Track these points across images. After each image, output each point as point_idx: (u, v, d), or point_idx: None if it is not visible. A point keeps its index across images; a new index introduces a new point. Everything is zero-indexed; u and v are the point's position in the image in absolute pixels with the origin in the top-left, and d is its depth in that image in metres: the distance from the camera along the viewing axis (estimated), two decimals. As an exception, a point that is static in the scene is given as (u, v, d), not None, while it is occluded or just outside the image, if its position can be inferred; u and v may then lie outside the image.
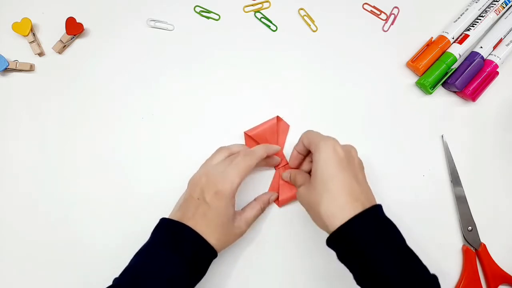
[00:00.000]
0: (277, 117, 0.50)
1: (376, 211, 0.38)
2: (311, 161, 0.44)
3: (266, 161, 0.48)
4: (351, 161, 0.40)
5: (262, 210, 0.46)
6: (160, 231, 0.41)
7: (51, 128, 0.51)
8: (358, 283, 0.37)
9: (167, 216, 0.42)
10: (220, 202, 0.40)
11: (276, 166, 0.49)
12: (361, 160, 0.42)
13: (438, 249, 0.49)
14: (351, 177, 0.38)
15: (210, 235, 0.40)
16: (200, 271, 0.40)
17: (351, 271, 0.37)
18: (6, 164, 0.51)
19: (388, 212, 0.48)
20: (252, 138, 0.49)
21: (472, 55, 0.52)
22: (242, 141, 0.51)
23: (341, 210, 0.36)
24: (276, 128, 0.49)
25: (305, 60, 0.53)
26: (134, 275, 0.38)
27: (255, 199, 0.47)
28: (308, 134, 0.43)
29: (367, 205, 0.37)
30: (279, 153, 0.49)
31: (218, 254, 0.41)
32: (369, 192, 0.40)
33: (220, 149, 0.45)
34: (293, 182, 0.46)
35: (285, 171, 0.48)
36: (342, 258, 0.37)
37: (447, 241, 0.50)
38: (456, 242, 0.50)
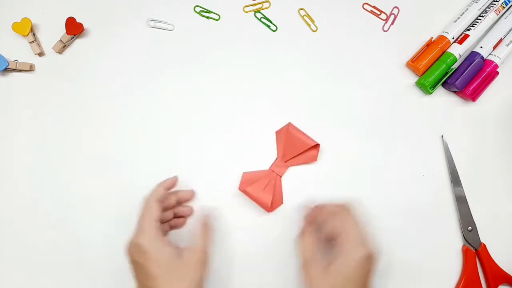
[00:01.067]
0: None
1: None
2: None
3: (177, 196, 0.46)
4: (370, 275, 0.38)
5: (208, 236, 0.43)
6: None
7: (51, 128, 0.51)
8: None
9: None
10: (146, 251, 0.38)
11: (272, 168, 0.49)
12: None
13: (438, 249, 0.49)
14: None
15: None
16: None
17: None
18: (6, 164, 0.51)
19: (388, 212, 0.48)
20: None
21: (472, 55, 0.52)
22: (242, 141, 0.51)
23: None
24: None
25: (305, 60, 0.53)
26: None
27: (198, 226, 0.43)
28: (341, 219, 0.40)
29: None
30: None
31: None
32: None
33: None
34: (299, 234, 0.43)
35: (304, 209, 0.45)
36: None
37: (447, 241, 0.50)
38: (456, 242, 0.50)
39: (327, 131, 0.51)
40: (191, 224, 0.48)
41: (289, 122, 0.49)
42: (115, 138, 0.51)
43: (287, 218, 0.49)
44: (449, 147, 0.51)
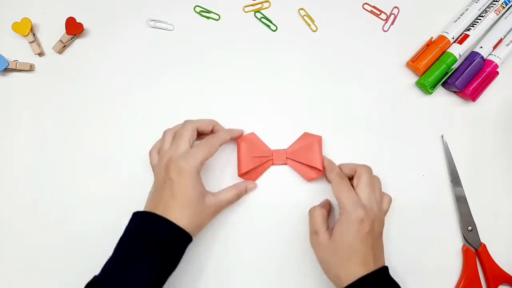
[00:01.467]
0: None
1: (382, 273, 0.40)
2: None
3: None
4: (373, 234, 0.41)
5: (238, 196, 0.46)
6: (131, 226, 0.41)
7: (51, 128, 0.51)
8: None
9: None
10: (185, 180, 0.41)
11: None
12: (383, 224, 0.43)
13: (438, 249, 0.49)
14: (368, 248, 0.40)
15: (181, 217, 0.40)
16: (174, 259, 0.40)
17: None
18: (6, 164, 0.51)
19: (389, 212, 0.48)
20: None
21: (472, 55, 0.52)
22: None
23: (351, 275, 0.39)
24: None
25: (305, 60, 0.53)
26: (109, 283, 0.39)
27: (232, 185, 0.47)
28: (339, 190, 0.43)
29: (374, 267, 0.40)
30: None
31: (194, 237, 0.41)
32: (381, 255, 0.42)
33: (166, 132, 0.46)
34: (310, 217, 0.45)
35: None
36: None
37: (447, 241, 0.50)
38: (456, 242, 0.50)
39: (327, 131, 0.51)
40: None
41: (321, 136, 0.49)
42: (115, 138, 0.51)
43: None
44: (449, 147, 0.51)
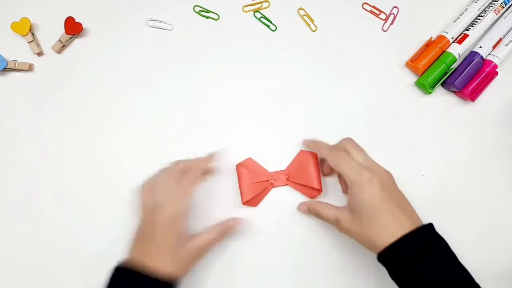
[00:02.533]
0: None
1: (425, 229, 0.39)
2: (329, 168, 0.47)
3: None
4: (389, 190, 0.41)
5: (222, 235, 0.44)
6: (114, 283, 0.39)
7: (50, 128, 0.51)
8: None
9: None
10: (165, 226, 0.40)
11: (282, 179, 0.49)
12: (395, 182, 0.43)
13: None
14: (393, 206, 0.39)
15: (164, 263, 0.39)
16: None
17: None
18: (5, 164, 0.50)
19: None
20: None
21: (472, 55, 0.52)
22: (241, 140, 0.51)
23: (388, 236, 0.38)
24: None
25: (304, 60, 0.53)
26: None
27: (216, 224, 0.45)
28: (336, 161, 0.43)
29: (414, 225, 0.38)
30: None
31: (182, 280, 0.40)
32: (415, 214, 0.41)
33: (160, 172, 0.45)
34: (314, 214, 0.45)
35: (301, 204, 0.47)
36: (393, 275, 0.38)
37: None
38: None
39: (327, 131, 0.51)
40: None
41: (317, 154, 0.49)
42: (114, 138, 0.51)
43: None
44: (449, 147, 0.51)
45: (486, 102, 0.52)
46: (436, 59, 0.52)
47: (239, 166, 0.48)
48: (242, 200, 0.48)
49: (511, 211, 0.50)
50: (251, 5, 0.54)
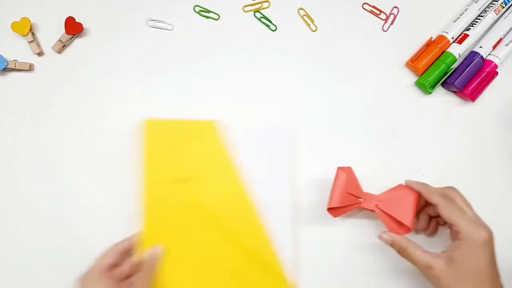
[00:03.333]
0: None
1: None
2: (429, 218, 0.45)
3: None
4: (494, 255, 0.39)
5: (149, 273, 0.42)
6: None
7: (50, 128, 0.51)
8: None
9: None
10: None
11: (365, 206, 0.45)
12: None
13: (439, 249, 0.49)
14: (495, 271, 0.39)
15: None
16: None
17: None
18: (6, 164, 0.50)
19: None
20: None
21: (472, 55, 0.52)
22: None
23: None
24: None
25: (304, 60, 0.53)
26: None
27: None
28: (449, 211, 0.40)
29: None
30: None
31: None
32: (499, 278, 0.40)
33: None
34: (399, 250, 0.42)
35: (385, 233, 0.43)
36: None
37: (447, 241, 0.49)
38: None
39: (326, 131, 0.51)
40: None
41: (418, 193, 0.45)
42: (114, 138, 0.51)
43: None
44: (448, 147, 0.51)
45: (486, 102, 0.52)
46: (436, 59, 0.52)
47: (340, 169, 0.46)
48: (329, 204, 0.45)
49: (511, 211, 0.50)
50: (251, 5, 0.54)
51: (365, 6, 0.55)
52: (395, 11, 0.54)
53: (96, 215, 0.49)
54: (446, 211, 0.40)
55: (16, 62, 0.51)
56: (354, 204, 0.45)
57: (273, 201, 0.47)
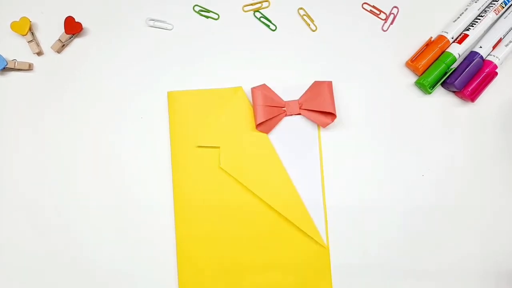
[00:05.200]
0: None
1: None
2: None
3: None
4: None
5: None
6: None
7: (50, 127, 0.51)
8: None
9: None
10: None
11: None
12: None
13: (441, 248, 0.49)
14: None
15: None
16: None
17: None
18: (5, 164, 0.50)
19: (389, 212, 0.48)
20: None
21: (472, 55, 0.52)
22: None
23: None
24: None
25: (304, 60, 0.53)
26: None
27: None
28: None
29: None
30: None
31: None
32: None
33: None
34: None
35: None
36: None
37: (447, 241, 0.49)
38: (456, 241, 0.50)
39: (326, 131, 0.51)
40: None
41: (331, 81, 0.49)
42: (114, 138, 0.51)
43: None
44: (448, 147, 0.51)
45: (486, 102, 0.52)
46: (436, 59, 0.52)
47: (254, 89, 0.49)
48: (255, 122, 0.49)
49: (511, 211, 0.50)
50: (251, 5, 0.54)
51: (365, 6, 0.55)
52: (395, 11, 0.54)
53: (97, 214, 0.49)
54: None
55: (15, 62, 0.51)
56: (279, 114, 0.49)
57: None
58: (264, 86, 0.50)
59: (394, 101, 0.52)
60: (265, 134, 0.50)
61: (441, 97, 0.53)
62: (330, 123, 0.49)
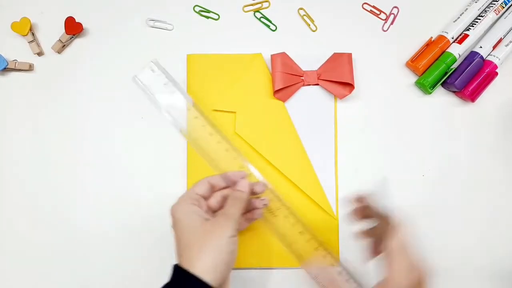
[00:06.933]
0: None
1: None
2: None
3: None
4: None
5: (243, 198, 0.40)
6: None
7: (50, 128, 0.51)
8: None
9: None
10: (178, 220, 0.38)
11: None
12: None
13: (441, 249, 0.49)
14: None
15: (201, 266, 0.35)
16: None
17: None
18: (6, 164, 0.51)
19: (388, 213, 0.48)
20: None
21: (472, 55, 0.52)
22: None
23: None
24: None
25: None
26: None
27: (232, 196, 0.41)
28: (387, 241, 0.37)
29: None
30: None
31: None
32: None
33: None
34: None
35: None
36: None
37: (447, 241, 0.50)
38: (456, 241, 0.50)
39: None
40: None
41: (351, 53, 0.50)
42: (114, 138, 0.51)
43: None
44: (448, 147, 0.51)
45: (486, 103, 0.52)
46: (436, 59, 0.52)
47: (274, 55, 0.49)
48: (273, 88, 0.49)
49: (511, 211, 0.50)
50: (251, 5, 0.54)
51: (365, 6, 0.55)
52: (395, 11, 0.54)
53: (97, 213, 0.49)
54: (387, 238, 0.37)
55: (16, 62, 0.51)
56: (297, 83, 0.49)
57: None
58: (284, 54, 0.50)
59: (394, 101, 0.52)
60: (282, 102, 0.50)
61: (441, 97, 0.53)
62: (348, 94, 0.49)
